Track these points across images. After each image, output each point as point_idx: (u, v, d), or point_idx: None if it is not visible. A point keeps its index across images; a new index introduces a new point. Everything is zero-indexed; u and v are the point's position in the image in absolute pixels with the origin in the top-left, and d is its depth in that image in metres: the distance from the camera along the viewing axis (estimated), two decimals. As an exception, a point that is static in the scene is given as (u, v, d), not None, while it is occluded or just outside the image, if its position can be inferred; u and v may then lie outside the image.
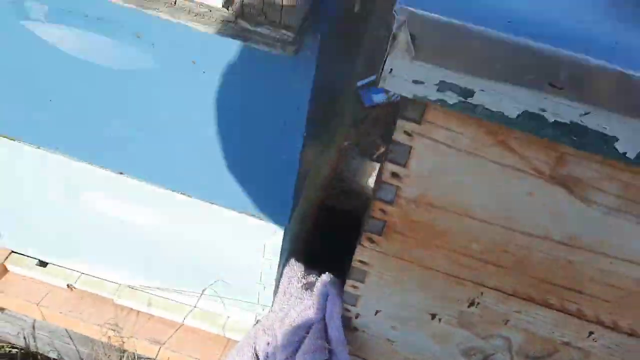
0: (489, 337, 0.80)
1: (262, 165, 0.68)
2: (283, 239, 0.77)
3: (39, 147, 0.76)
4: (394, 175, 0.65)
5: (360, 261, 0.77)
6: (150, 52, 0.59)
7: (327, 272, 0.87)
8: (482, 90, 0.52)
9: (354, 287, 0.81)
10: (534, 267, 0.69)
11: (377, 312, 0.82)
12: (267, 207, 0.73)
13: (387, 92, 1.89)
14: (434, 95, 0.54)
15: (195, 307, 0.91)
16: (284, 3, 0.46)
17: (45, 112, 0.71)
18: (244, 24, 0.48)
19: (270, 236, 0.76)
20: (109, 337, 0.93)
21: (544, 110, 0.52)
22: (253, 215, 0.75)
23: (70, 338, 1.02)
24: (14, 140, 0.76)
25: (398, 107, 0.62)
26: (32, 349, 1.07)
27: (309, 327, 0.83)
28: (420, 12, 0.49)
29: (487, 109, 0.54)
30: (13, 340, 1.08)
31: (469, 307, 0.77)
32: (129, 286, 0.94)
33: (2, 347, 1.13)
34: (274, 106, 0.60)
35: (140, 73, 0.62)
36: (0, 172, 0.83)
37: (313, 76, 0.57)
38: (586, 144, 0.54)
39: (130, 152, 0.72)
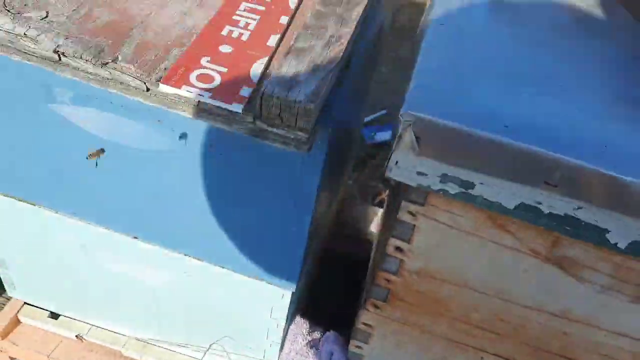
0: (488, 397, 0.83)
1: (272, 236, 0.72)
2: (290, 301, 0.80)
3: (57, 212, 0.79)
4: (398, 249, 0.69)
5: (365, 324, 0.80)
6: (169, 136, 0.63)
7: (331, 330, 0.90)
8: (482, 183, 0.56)
9: (358, 347, 0.83)
10: (531, 336, 0.72)
11: (380, 371, 0.85)
12: (276, 273, 0.76)
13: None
14: (436, 185, 0.58)
15: (202, 360, 0.94)
16: (299, 112, 0.50)
17: (65, 182, 0.74)
18: (261, 125, 0.52)
19: (278, 299, 0.79)
20: (118, 387, 0.95)
21: (539, 203, 0.56)
22: (262, 280, 0.78)
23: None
24: (34, 205, 0.79)
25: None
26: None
27: (313, 385, 0.85)
28: (424, 116, 0.53)
29: (486, 199, 0.57)
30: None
31: (469, 370, 0.79)
32: (137, 339, 0.96)
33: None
34: (284, 189, 0.64)
35: (158, 151, 0.66)
36: (17, 230, 0.86)
37: (322, 164, 0.61)
38: (579, 234, 0.57)
39: (145, 219, 0.75)
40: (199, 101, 0.51)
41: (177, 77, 0.52)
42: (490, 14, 0.69)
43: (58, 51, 0.53)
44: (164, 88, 0.51)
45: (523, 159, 0.53)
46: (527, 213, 0.57)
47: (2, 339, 0.98)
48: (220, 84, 0.52)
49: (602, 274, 0.64)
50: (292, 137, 0.52)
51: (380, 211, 1.46)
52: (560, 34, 0.69)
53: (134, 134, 0.65)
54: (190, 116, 0.53)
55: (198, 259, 0.79)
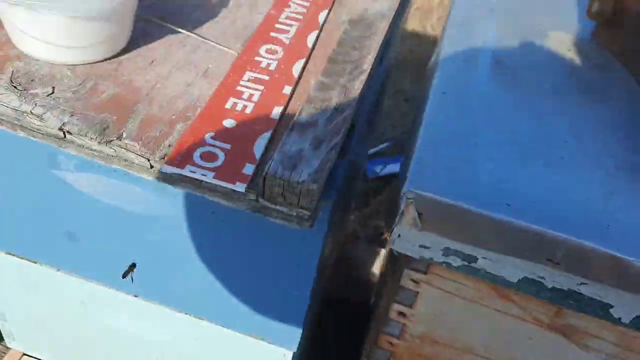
0: None
1: (274, 298, 0.71)
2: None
3: (57, 270, 0.79)
4: (401, 314, 0.68)
5: (367, 384, 0.79)
6: (172, 202, 0.63)
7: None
8: (484, 258, 0.56)
9: (361, 406, 0.83)
10: (536, 401, 0.71)
11: None
12: (277, 334, 0.76)
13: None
14: (439, 258, 0.58)
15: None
16: (302, 192, 0.50)
17: (65, 241, 0.74)
18: (264, 202, 0.52)
19: (279, 359, 0.79)
20: None
21: (542, 278, 0.56)
22: (263, 340, 0.77)
23: None
24: (35, 262, 0.79)
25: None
26: None
27: None
28: (425, 194, 0.53)
29: (489, 272, 0.57)
30: None
31: None
32: (138, 391, 0.95)
33: None
34: (286, 257, 0.64)
35: (161, 216, 0.66)
36: (18, 285, 0.86)
37: (324, 235, 0.61)
38: (583, 308, 0.57)
39: (146, 279, 0.75)
40: (202, 180, 0.52)
41: (180, 156, 0.52)
42: (491, 79, 0.70)
43: (63, 129, 0.53)
44: (167, 168, 0.51)
45: (524, 237, 0.53)
46: (530, 287, 0.57)
47: (2, 392, 0.97)
48: (224, 162, 0.53)
49: (607, 342, 0.63)
50: (295, 214, 0.52)
51: (382, 251, 1.45)
52: (561, 99, 0.70)
53: (136, 200, 0.65)
54: (193, 192, 0.53)
55: (200, 318, 0.79)
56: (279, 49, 0.71)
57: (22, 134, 0.55)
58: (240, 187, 0.51)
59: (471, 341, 0.68)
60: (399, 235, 0.57)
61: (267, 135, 0.57)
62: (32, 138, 0.55)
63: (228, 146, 0.55)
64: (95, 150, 0.54)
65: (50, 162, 0.65)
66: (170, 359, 0.87)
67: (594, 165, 0.61)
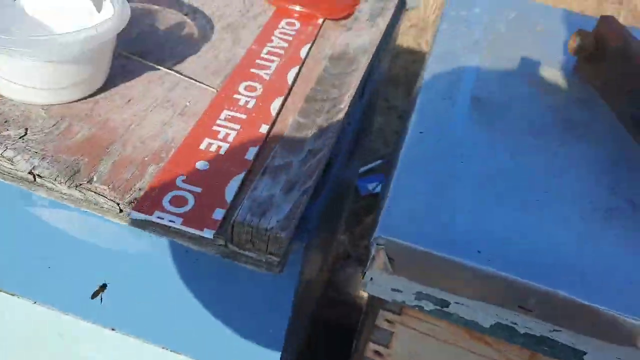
0: None
1: (250, 334, 0.71)
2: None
3: (34, 302, 0.79)
4: (377, 353, 0.68)
5: (347, 420, 0.78)
6: (148, 240, 0.63)
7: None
8: (457, 303, 0.56)
9: None
10: None
11: None
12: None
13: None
14: (412, 302, 0.57)
15: None
16: (270, 239, 0.50)
17: (42, 273, 0.74)
18: (233, 247, 0.52)
19: (259, 394, 0.78)
20: None
21: (515, 324, 0.55)
22: (241, 376, 0.77)
23: None
24: (13, 295, 0.79)
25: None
26: None
27: None
28: (396, 240, 0.53)
29: (461, 317, 0.57)
30: None
31: None
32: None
33: None
34: (260, 297, 0.63)
35: (136, 253, 0.66)
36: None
37: (298, 274, 0.61)
38: (557, 354, 0.56)
39: (123, 312, 0.75)
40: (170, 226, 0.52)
41: (149, 201, 0.52)
42: (469, 117, 0.70)
43: (33, 172, 0.53)
44: (135, 214, 0.51)
45: (496, 284, 0.52)
46: (503, 332, 0.56)
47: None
48: (194, 207, 0.53)
49: (584, 385, 0.63)
50: (264, 260, 0.52)
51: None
52: (541, 137, 0.70)
53: (113, 237, 0.65)
54: (162, 237, 0.53)
55: (176, 352, 0.78)
56: (258, 85, 0.71)
57: (-6, 175, 0.55)
58: (208, 233, 0.51)
59: (449, 381, 0.68)
60: (371, 279, 0.56)
61: (239, 177, 0.57)
62: (2, 180, 0.55)
63: (199, 190, 0.55)
64: (64, 193, 0.54)
65: (25, 199, 0.65)
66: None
67: (570, 207, 0.61)
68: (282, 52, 0.78)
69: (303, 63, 0.78)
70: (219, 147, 0.60)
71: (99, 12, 0.67)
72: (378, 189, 1.91)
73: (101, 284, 0.73)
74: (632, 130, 0.73)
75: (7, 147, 0.54)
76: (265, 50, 0.78)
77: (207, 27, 0.82)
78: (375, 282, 0.57)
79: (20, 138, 0.56)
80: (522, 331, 0.56)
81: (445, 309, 0.57)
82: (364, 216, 1.78)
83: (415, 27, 2.73)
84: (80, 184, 0.53)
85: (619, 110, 0.76)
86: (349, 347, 1.13)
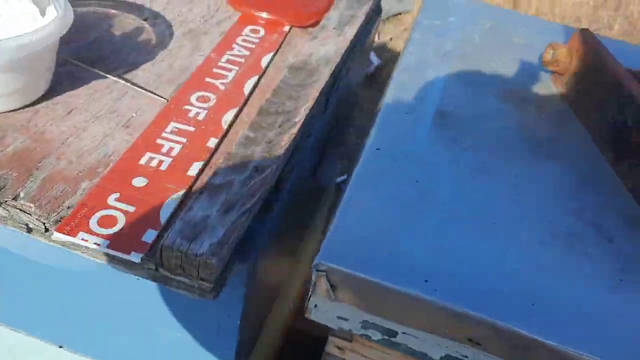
0: None
1: (198, 355, 0.68)
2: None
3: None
4: (331, 379, 0.65)
5: None
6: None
7: None
8: (404, 333, 0.52)
9: None
10: None
11: None
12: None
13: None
14: (358, 330, 0.54)
15: None
16: (200, 265, 0.47)
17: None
18: (164, 272, 0.49)
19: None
20: None
21: (465, 357, 0.52)
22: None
23: None
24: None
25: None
26: None
27: None
28: (337, 267, 0.50)
29: (410, 348, 0.54)
30: None
31: None
32: None
33: None
34: (206, 317, 0.60)
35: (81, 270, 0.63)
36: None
37: (243, 296, 0.57)
38: (510, 388, 0.53)
39: (70, 330, 0.72)
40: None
41: (76, 221, 0.49)
42: (432, 134, 0.67)
43: (-44, 188, 0.50)
44: (57, 235, 0.48)
45: (444, 315, 0.49)
46: (454, 365, 0.53)
47: None
48: (123, 228, 0.50)
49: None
50: (196, 285, 0.49)
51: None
52: (507, 156, 0.66)
53: (50, 254, 0.62)
54: (92, 258, 0.50)
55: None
56: (212, 96, 0.68)
57: None
58: (135, 257, 0.48)
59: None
60: (316, 306, 0.53)
61: (178, 196, 0.54)
62: None
63: (132, 209, 0.52)
64: (-11, 211, 0.51)
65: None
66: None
67: (530, 231, 0.57)
68: (242, 60, 0.75)
69: (264, 73, 0.75)
70: (161, 162, 0.57)
71: (42, 16, 0.64)
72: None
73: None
74: (603, 148, 0.70)
75: None
76: (224, 59, 0.75)
77: (166, 33, 0.78)
78: (320, 309, 0.53)
79: (-54, 151, 0.53)
80: (473, 364, 0.53)
81: (393, 339, 0.53)
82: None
83: (409, 31, 2.71)
84: (5, 201, 0.50)
85: (591, 127, 0.73)
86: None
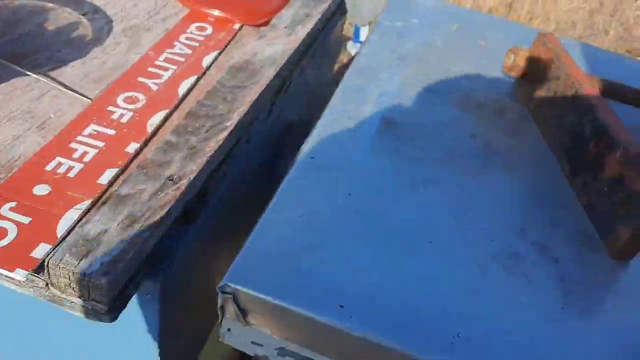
0: None
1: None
2: None
3: None
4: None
5: None
6: None
7: None
8: (324, 361, 0.48)
9: None
10: None
11: None
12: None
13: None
14: (275, 357, 0.49)
15: None
16: (90, 285, 0.43)
17: None
18: (55, 291, 0.45)
19: None
20: None
21: (389, 389, 0.48)
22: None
23: None
24: None
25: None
26: None
27: None
28: (245, 290, 0.45)
29: (332, 377, 0.49)
30: None
31: None
32: None
33: None
34: (125, 331, 0.56)
35: None
36: None
37: (157, 314, 0.53)
38: None
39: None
40: (-19, 263, 0.44)
41: (-41, 233, 0.45)
42: (374, 143, 0.62)
43: None
44: None
45: (360, 346, 0.45)
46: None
47: None
48: (12, 241, 0.45)
49: None
50: (90, 307, 0.44)
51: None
52: (455, 167, 0.62)
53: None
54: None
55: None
56: (141, 97, 0.64)
57: None
58: (20, 274, 0.43)
59: None
60: (229, 330, 0.49)
61: (82, 206, 0.49)
62: None
63: (27, 220, 0.47)
64: None
65: None
66: None
67: (466, 252, 0.53)
68: (182, 59, 0.71)
69: (204, 73, 0.70)
70: (70, 168, 0.53)
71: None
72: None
73: None
74: (560, 161, 0.66)
75: None
76: (162, 57, 0.70)
77: (104, 28, 0.74)
78: (233, 333, 0.49)
79: None
80: (397, 396, 0.48)
81: (312, 367, 0.49)
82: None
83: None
84: None
85: (550, 137, 0.69)
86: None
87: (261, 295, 0.45)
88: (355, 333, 0.44)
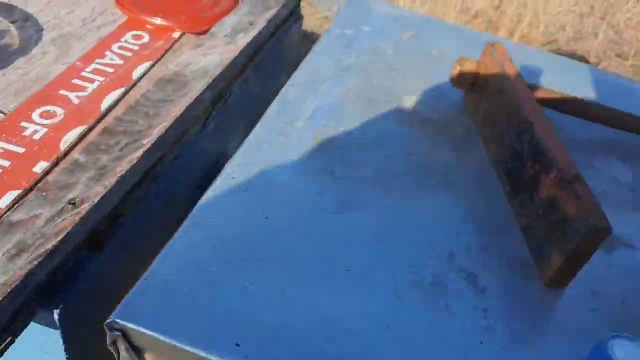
0: None
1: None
2: None
3: None
4: None
5: None
6: None
7: None
8: (227, 400, 0.45)
9: None
10: None
11: None
12: None
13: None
14: (178, 394, 0.47)
15: None
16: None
17: None
18: None
19: None
20: None
21: None
22: None
23: None
24: None
25: None
26: None
27: None
28: (135, 327, 0.42)
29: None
30: None
31: None
32: None
33: None
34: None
35: None
36: None
37: (62, 345, 0.50)
38: None
39: None
40: None
41: None
42: (302, 161, 0.59)
43: None
44: None
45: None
46: None
47: None
48: None
49: None
50: (-30, 343, 0.42)
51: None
52: (385, 188, 0.58)
53: None
54: None
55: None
56: (60, 111, 0.60)
57: None
58: None
59: None
60: (131, 362, 0.46)
61: (-29, 233, 0.46)
62: None
63: None
64: None
65: None
66: None
67: (386, 281, 0.49)
68: (111, 70, 0.68)
69: (134, 85, 0.67)
70: (-34, 191, 0.50)
71: None
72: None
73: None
74: (502, 179, 0.63)
75: None
76: (90, 68, 0.67)
77: (33, 37, 0.71)
78: (134, 367, 0.46)
79: None
80: None
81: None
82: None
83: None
84: None
85: (492, 154, 0.66)
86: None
87: (152, 334, 0.42)
88: (252, 372, 0.41)
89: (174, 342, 0.42)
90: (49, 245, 0.45)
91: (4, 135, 0.56)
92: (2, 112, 0.59)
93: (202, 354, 0.41)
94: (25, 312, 0.44)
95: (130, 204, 0.55)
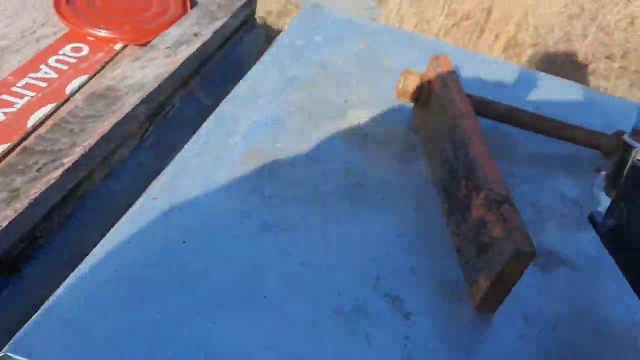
0: None
1: None
2: None
3: None
4: None
5: None
6: None
7: None
8: None
9: None
10: None
11: None
12: None
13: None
14: None
15: None
16: None
17: None
18: None
19: None
20: None
21: None
22: None
23: None
24: None
25: None
26: None
27: None
28: (29, 362, 0.40)
29: None
30: None
31: None
32: None
33: None
34: None
35: None
36: None
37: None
38: None
39: None
40: None
41: None
42: (232, 180, 0.57)
43: None
44: None
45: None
46: None
47: None
48: None
49: None
50: None
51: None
52: (317, 208, 0.56)
53: None
54: None
55: None
56: (-18, 129, 0.59)
57: None
58: None
59: None
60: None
61: None
62: None
63: None
64: None
65: None
66: None
67: (305, 308, 0.47)
68: (44, 85, 0.66)
69: (67, 100, 0.66)
70: None
71: None
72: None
73: None
74: (440, 196, 0.61)
75: None
76: (22, 82, 0.66)
77: (-35, 51, 0.69)
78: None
79: None
80: None
81: None
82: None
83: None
84: None
85: (433, 170, 0.64)
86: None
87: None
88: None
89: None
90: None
91: None
92: None
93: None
94: None
95: (49, 226, 0.53)
